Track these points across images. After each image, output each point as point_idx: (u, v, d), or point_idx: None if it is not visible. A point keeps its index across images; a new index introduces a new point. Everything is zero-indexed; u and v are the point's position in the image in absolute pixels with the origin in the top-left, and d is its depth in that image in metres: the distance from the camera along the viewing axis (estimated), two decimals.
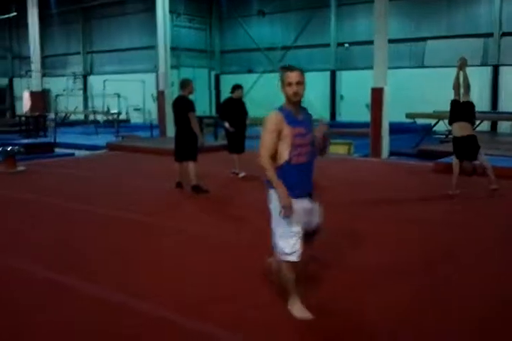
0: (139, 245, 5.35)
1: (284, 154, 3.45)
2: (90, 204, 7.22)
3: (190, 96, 8.00)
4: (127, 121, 24.24)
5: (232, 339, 3.36)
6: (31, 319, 3.62)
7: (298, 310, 3.58)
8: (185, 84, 7.88)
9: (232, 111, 9.30)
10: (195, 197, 7.77)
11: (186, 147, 7.90)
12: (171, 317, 3.61)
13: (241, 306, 3.78)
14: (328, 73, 23.74)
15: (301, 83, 3.46)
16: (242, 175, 9.36)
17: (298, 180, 3.51)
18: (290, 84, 3.44)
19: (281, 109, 3.52)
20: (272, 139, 3.43)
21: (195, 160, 7.93)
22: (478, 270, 4.55)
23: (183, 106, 7.82)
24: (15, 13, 25.12)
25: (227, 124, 9.26)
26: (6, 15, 26.00)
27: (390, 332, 3.39)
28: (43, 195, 7.90)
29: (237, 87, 9.39)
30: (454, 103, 7.71)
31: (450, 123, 7.77)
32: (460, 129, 7.50)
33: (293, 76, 3.45)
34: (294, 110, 3.52)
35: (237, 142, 9.41)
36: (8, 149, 10.48)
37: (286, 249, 3.47)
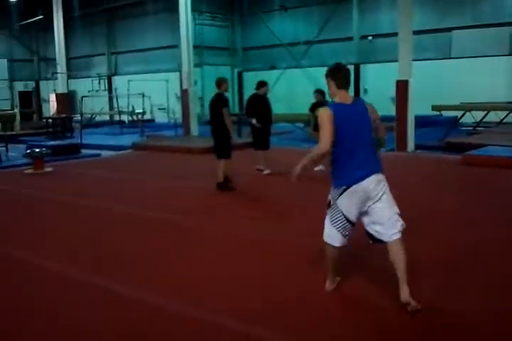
0: (179, 247, 5.33)
1: None
2: (123, 204, 7.26)
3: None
4: (152, 120, 24.40)
5: None
6: (55, 317, 3.64)
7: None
8: (219, 83, 8.08)
9: (259, 107, 9.24)
10: (229, 197, 7.70)
11: (220, 144, 8.01)
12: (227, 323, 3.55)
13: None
14: (351, 67, 23.49)
15: None
16: (266, 171, 9.30)
17: None
18: None
19: None
20: None
21: (229, 157, 8.01)
22: None
23: (217, 102, 7.97)
24: (41, 17, 25.46)
25: (254, 120, 9.20)
26: (33, 19, 26.41)
27: None
28: (68, 195, 7.98)
29: (262, 84, 9.35)
30: None
31: None
32: None
33: None
34: None
35: (262, 138, 9.36)
36: (36, 151, 10.70)
37: (404, 225, 3.65)
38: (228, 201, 7.44)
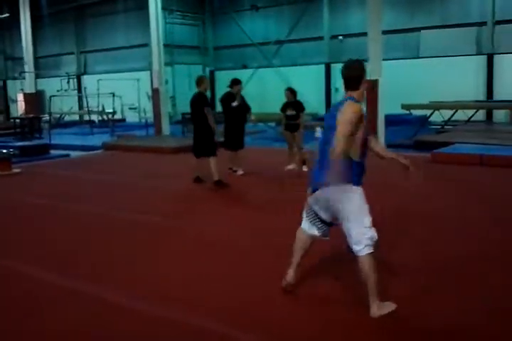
0: (152, 246, 5.28)
1: (357, 149, 3.44)
2: (95, 205, 7.15)
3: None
4: (123, 120, 24.13)
5: None
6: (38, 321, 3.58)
7: (387, 306, 3.45)
8: (199, 81, 8.14)
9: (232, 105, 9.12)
10: (208, 194, 7.71)
11: (204, 143, 8.04)
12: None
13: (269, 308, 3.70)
14: (322, 66, 23.63)
15: None
16: (240, 172, 9.20)
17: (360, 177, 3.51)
18: None
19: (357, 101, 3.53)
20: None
21: (215, 155, 8.05)
22: None
23: (198, 101, 8.01)
24: (7, 14, 24.94)
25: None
26: None
27: None
28: (35, 196, 7.82)
29: (236, 82, 9.18)
30: None
31: None
32: None
33: None
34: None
35: (236, 138, 9.21)
36: (3, 152, 10.49)
37: (374, 238, 3.39)
38: (204, 200, 7.41)
